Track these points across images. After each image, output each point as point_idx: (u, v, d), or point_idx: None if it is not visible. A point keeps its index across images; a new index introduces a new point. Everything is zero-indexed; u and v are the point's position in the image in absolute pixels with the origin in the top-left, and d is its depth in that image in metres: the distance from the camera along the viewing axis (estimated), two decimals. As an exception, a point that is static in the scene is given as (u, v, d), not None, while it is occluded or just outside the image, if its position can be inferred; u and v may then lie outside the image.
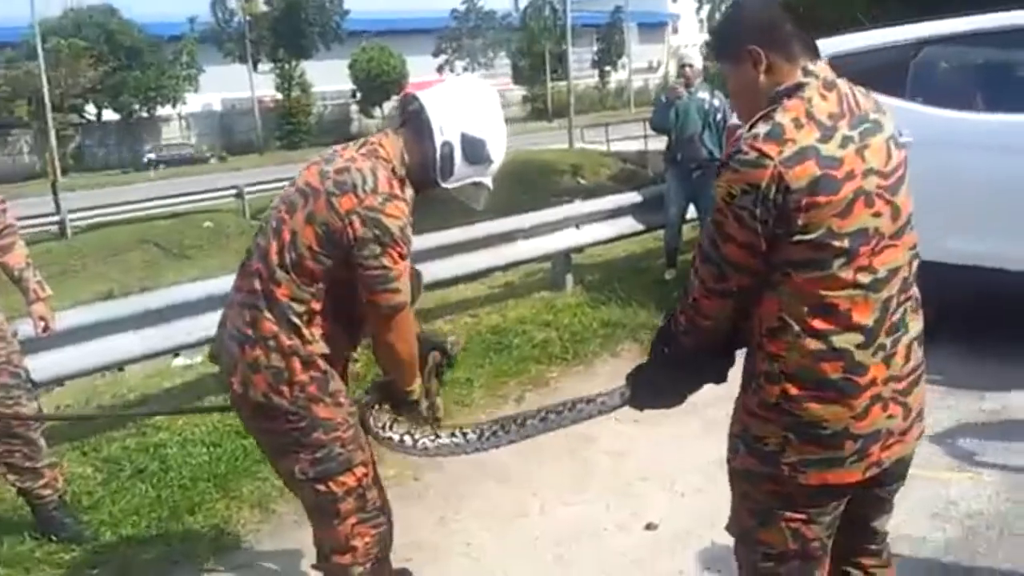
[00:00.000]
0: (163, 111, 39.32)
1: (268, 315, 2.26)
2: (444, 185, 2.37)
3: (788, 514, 1.89)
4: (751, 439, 1.89)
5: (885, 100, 5.04)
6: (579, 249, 6.93)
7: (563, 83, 36.54)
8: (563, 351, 5.41)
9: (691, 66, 7.13)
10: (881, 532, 2.11)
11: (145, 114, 38.72)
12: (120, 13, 37.68)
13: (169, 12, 39.23)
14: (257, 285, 2.28)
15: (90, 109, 38.18)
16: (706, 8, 64.56)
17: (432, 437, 2.54)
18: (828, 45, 5.54)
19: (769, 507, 1.91)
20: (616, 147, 26.43)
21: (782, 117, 1.76)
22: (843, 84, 1.85)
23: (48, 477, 3.49)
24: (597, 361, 5.36)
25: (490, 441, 2.53)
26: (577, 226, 6.77)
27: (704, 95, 6.88)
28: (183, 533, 3.51)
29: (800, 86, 1.81)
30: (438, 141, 2.31)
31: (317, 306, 2.27)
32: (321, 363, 2.30)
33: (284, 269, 2.25)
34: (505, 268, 6.93)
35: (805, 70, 1.83)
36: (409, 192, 2.32)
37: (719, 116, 6.77)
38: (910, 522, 3.20)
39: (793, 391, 1.81)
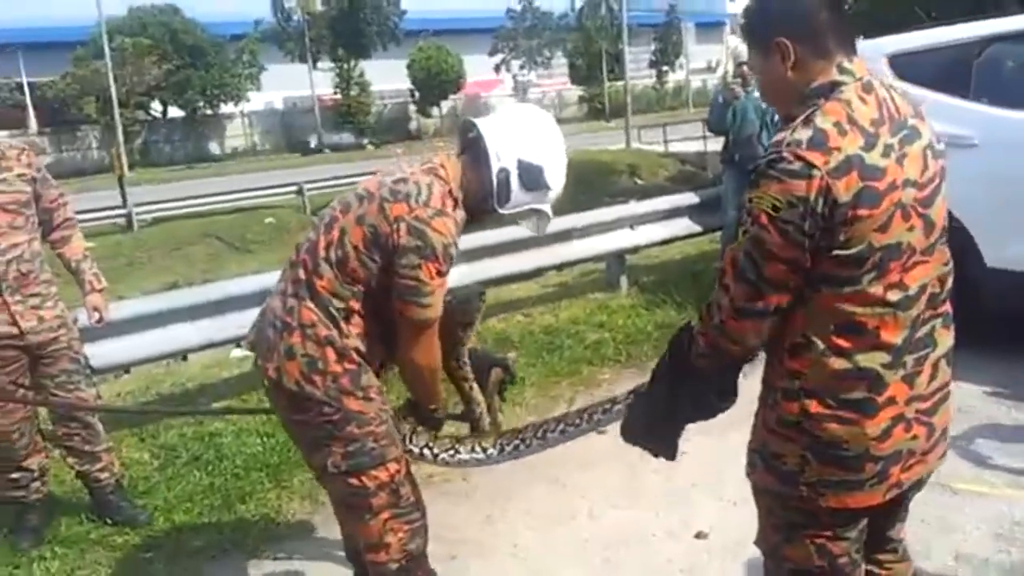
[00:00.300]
0: (226, 109, 40.05)
1: (308, 304, 2.29)
2: (501, 211, 2.40)
3: (812, 531, 1.83)
4: (769, 456, 1.83)
5: (949, 101, 4.99)
6: (634, 250, 6.88)
7: (620, 83, 36.30)
8: (616, 353, 5.39)
9: (749, 65, 7.03)
10: (897, 539, 2.05)
11: (209, 111, 39.51)
12: (183, 12, 38.50)
13: (231, 11, 39.92)
14: (301, 275, 2.32)
15: (155, 106, 39.08)
16: (767, 8, 64.10)
17: (452, 452, 2.58)
18: (888, 43, 5.46)
19: (792, 524, 1.85)
20: (674, 148, 26.11)
21: (823, 122, 1.63)
22: (879, 86, 1.73)
23: (105, 461, 3.59)
24: (650, 364, 5.27)
25: (511, 454, 2.56)
26: (632, 226, 6.73)
27: (761, 94, 6.77)
28: (235, 521, 3.58)
29: (836, 85, 1.69)
30: (495, 167, 2.34)
31: (356, 305, 2.30)
32: (355, 356, 2.31)
33: (328, 263, 2.29)
34: (559, 268, 6.93)
35: (841, 67, 1.70)
36: (460, 214, 2.35)
37: (777, 117, 6.65)
38: (972, 542, 3.11)
39: (814, 409, 1.73)
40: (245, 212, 19.38)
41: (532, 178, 2.37)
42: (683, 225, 7.12)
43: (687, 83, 48.96)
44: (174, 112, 39.68)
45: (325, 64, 41.43)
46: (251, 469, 3.97)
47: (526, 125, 2.42)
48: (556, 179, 2.42)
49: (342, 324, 2.30)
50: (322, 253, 2.30)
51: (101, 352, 4.12)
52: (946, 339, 1.81)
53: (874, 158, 1.62)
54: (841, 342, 1.69)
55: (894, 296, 1.68)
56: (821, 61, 1.70)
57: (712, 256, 7.38)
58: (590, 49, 45.86)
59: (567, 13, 46.65)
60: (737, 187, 6.84)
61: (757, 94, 6.76)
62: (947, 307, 1.81)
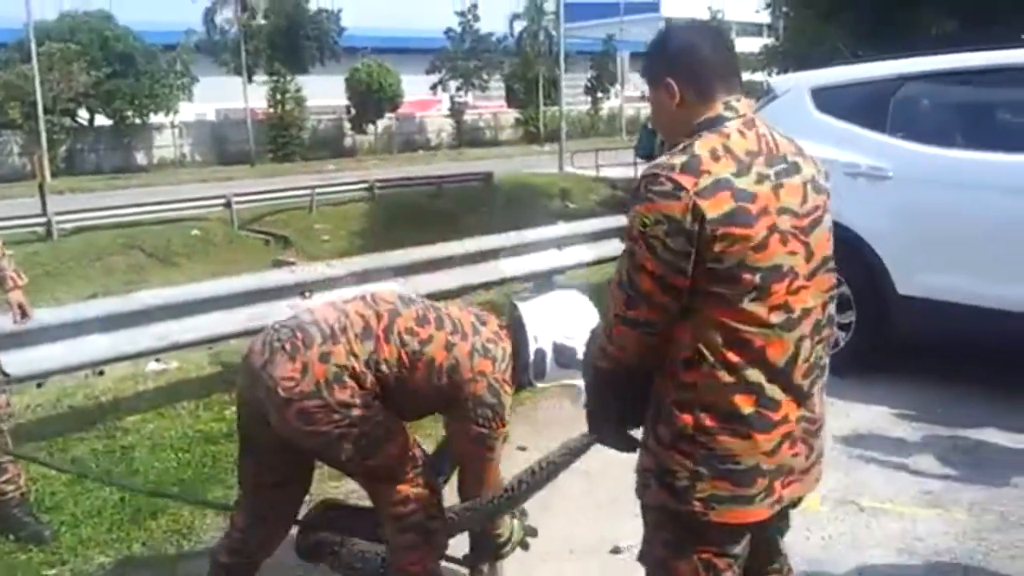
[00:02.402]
0: (156, 119, 39.22)
1: (364, 343, 2.53)
2: (537, 385, 2.81)
3: (701, 547, 1.88)
4: (663, 473, 1.87)
5: (867, 134, 5.19)
6: (561, 270, 6.94)
7: (556, 108, 36.70)
8: (540, 371, 5.40)
9: None
10: (780, 553, 2.12)
11: (138, 121, 38.63)
12: (116, 19, 37.67)
13: (166, 20, 39.28)
14: (374, 321, 2.58)
15: (83, 114, 38.07)
16: (700, 40, 65.70)
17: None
18: (812, 78, 5.66)
19: (681, 539, 1.90)
20: (606, 172, 26.54)
21: (700, 149, 1.76)
22: (762, 124, 1.87)
23: (11, 473, 3.47)
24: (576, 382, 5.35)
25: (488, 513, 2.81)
26: (559, 247, 6.80)
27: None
28: (145, 537, 3.49)
29: (720, 119, 1.82)
30: (532, 348, 2.73)
31: (389, 383, 2.57)
32: (369, 396, 2.54)
33: (402, 342, 2.57)
34: (488, 286, 6.94)
35: (727, 105, 1.84)
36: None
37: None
38: (877, 558, 3.21)
39: (707, 422, 1.80)
40: (170, 224, 18.96)
41: (566, 358, 2.73)
42: (610, 247, 7.20)
43: (621, 110, 49.71)
44: (101, 120, 38.69)
45: (260, 77, 40.91)
46: (165, 485, 3.87)
47: (563, 309, 2.83)
48: None
49: (371, 379, 2.54)
50: (403, 330, 2.58)
51: (13, 361, 3.98)
52: (827, 367, 1.95)
53: (746, 183, 1.75)
54: (730, 356, 1.78)
55: (777, 317, 1.78)
56: (702, 103, 1.85)
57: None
58: (527, 73, 46.28)
59: (506, 37, 47.02)
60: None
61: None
62: (828, 333, 1.92)
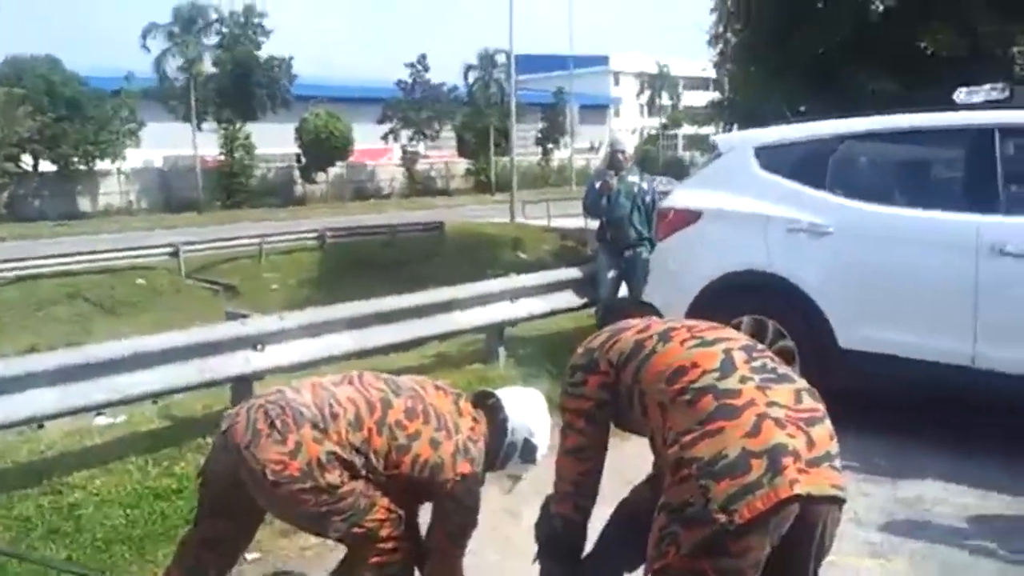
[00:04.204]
0: (103, 165, 38.71)
1: (356, 433, 2.59)
2: (496, 470, 2.93)
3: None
4: (679, 510, 1.99)
5: (808, 191, 5.37)
6: (513, 323, 7.00)
7: (507, 158, 37.15)
8: (493, 423, 5.42)
9: (623, 152, 7.38)
10: None
11: (83, 167, 38.08)
12: (63, 64, 37.33)
13: (114, 66, 38.93)
14: (365, 411, 2.63)
15: (26, 159, 37.46)
16: (646, 93, 67.10)
17: None
18: (756, 136, 5.85)
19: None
20: (556, 223, 26.85)
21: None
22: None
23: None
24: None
25: None
26: (512, 299, 6.85)
27: (634, 178, 7.13)
28: (93, 599, 3.41)
29: None
30: (506, 442, 2.87)
31: (378, 474, 2.64)
32: (358, 471, 2.62)
33: (392, 438, 2.64)
34: (440, 338, 6.96)
35: None
36: None
37: (648, 198, 7.04)
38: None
39: (686, 439, 2.01)
40: (115, 273, 18.69)
41: (529, 454, 2.91)
42: (563, 299, 7.30)
43: (571, 161, 50.44)
44: (46, 166, 38.08)
45: (209, 124, 40.70)
46: (113, 542, 3.79)
47: (537, 410, 2.96)
48: (541, 457, 2.95)
49: (360, 465, 2.60)
50: (393, 424, 2.65)
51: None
52: (795, 376, 2.19)
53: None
54: (678, 384, 2.13)
55: (690, 344, 2.21)
56: None
57: (589, 330, 7.53)
58: (478, 124, 46.79)
59: (457, 87, 47.57)
60: (610, 265, 7.13)
61: (630, 178, 7.11)
62: (770, 354, 2.25)
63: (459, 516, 2.76)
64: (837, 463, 2.07)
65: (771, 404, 2.02)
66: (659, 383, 2.18)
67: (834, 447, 2.08)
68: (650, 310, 2.94)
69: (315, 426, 2.53)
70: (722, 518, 1.91)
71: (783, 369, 2.18)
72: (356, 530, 2.62)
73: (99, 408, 4.94)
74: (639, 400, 2.26)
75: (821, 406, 2.12)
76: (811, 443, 2.00)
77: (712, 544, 1.95)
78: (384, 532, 2.66)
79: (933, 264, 4.75)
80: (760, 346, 2.28)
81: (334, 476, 2.52)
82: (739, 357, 2.16)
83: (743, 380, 2.08)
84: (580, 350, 2.55)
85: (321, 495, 2.51)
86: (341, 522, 2.58)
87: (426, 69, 46.55)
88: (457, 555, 2.84)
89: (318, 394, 2.64)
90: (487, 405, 2.96)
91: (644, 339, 2.34)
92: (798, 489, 1.93)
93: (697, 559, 1.99)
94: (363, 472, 2.61)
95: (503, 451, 2.88)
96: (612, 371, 2.37)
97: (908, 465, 4.57)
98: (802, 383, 2.17)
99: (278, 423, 2.50)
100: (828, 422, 2.10)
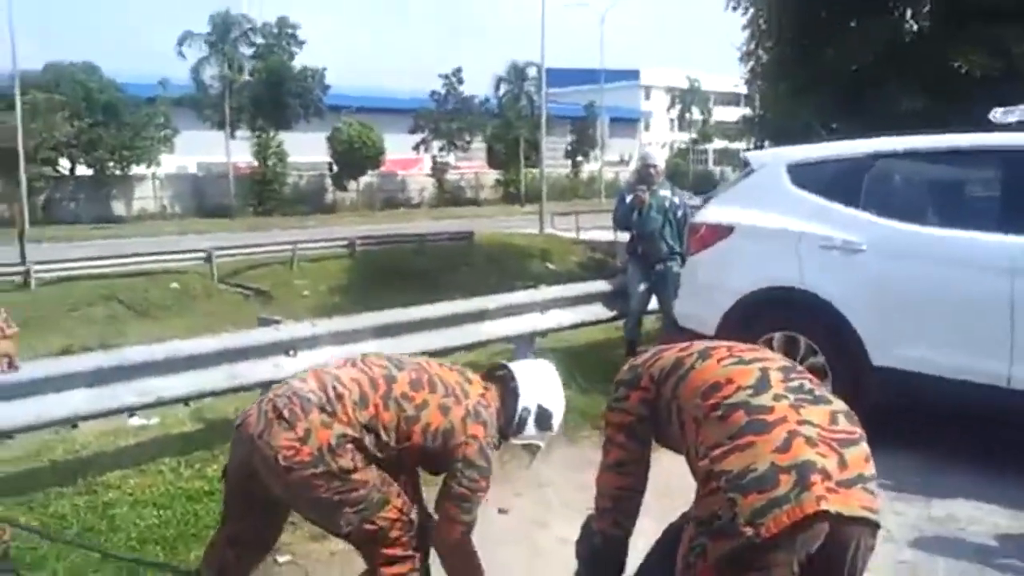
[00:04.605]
0: (137, 170, 39.28)
1: (362, 411, 2.61)
2: (512, 440, 2.93)
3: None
4: (707, 522, 2.01)
5: (841, 209, 5.35)
6: (543, 333, 7.02)
7: (536, 170, 37.22)
8: (521, 434, 5.44)
9: (655, 166, 7.37)
10: None
11: (118, 172, 38.66)
12: (101, 71, 37.96)
13: (151, 73, 39.55)
14: (368, 388, 2.66)
15: (64, 163, 38.09)
16: (677, 108, 66.98)
17: None
18: (789, 153, 5.84)
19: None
20: (585, 235, 26.85)
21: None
22: None
23: (-7, 528, 3.44)
24: (556, 447, 5.36)
25: None
26: (542, 311, 6.88)
27: (665, 192, 7.13)
28: (127, 597, 3.46)
29: None
30: (520, 406, 2.89)
31: (390, 448, 2.67)
32: (369, 450, 2.64)
33: (400, 408, 2.66)
34: (470, 347, 7.00)
35: None
36: None
37: (679, 213, 7.03)
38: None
39: (716, 452, 2.04)
40: (149, 276, 18.92)
41: (544, 420, 2.92)
42: (591, 311, 7.31)
43: (600, 174, 50.43)
44: (82, 170, 38.70)
45: (243, 132, 41.18)
46: (146, 542, 3.85)
47: (546, 376, 3.01)
48: (557, 424, 3.00)
49: (371, 443, 2.63)
50: (399, 396, 2.67)
51: (-6, 414, 3.99)
52: (832, 398, 2.20)
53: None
54: (712, 399, 2.15)
55: (728, 362, 2.24)
56: None
57: (618, 343, 7.58)
58: (509, 136, 46.95)
59: (488, 99, 47.76)
60: (640, 279, 7.13)
61: (662, 192, 7.11)
62: (809, 375, 2.27)
63: (469, 478, 2.72)
64: (871, 486, 2.06)
65: (803, 423, 2.03)
66: (695, 398, 2.23)
67: (869, 470, 2.07)
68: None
69: (322, 409, 2.56)
70: (748, 531, 1.92)
71: (820, 391, 2.20)
72: (367, 526, 2.62)
73: (132, 410, 5.01)
74: (676, 415, 2.31)
75: (858, 429, 2.13)
76: (843, 464, 2.00)
77: (738, 557, 1.96)
78: (394, 534, 2.67)
79: (968, 284, 4.71)
80: (799, 367, 2.31)
81: (346, 460, 2.55)
82: (775, 377, 2.19)
83: (777, 398, 2.10)
84: (626, 367, 2.63)
85: (333, 481, 2.53)
86: (353, 514, 2.59)
87: (460, 82, 46.79)
88: (464, 523, 2.77)
89: (321, 379, 2.68)
90: (497, 376, 2.99)
91: (684, 356, 2.40)
92: (824, 506, 1.92)
93: (723, 572, 2.00)
94: (376, 451, 2.63)
95: (517, 417, 2.88)
96: (653, 387, 2.42)
97: (940, 483, 4.54)
98: (839, 405, 2.18)
99: (286, 412, 2.55)
100: (864, 444, 2.10)
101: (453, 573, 2.84)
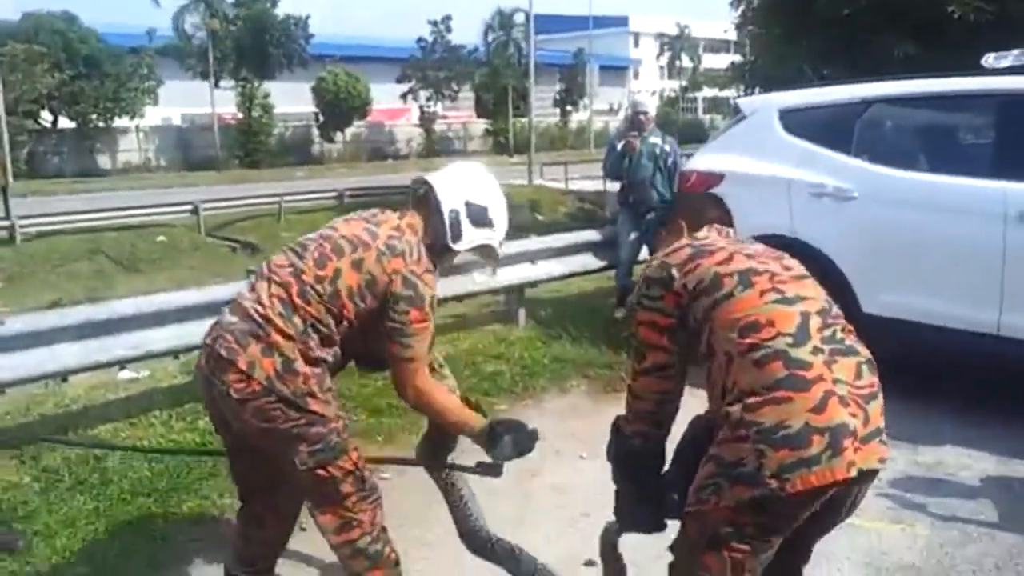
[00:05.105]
0: (120, 122, 38.73)
1: (291, 320, 2.53)
2: (456, 247, 2.77)
3: (734, 542, 2.06)
4: (729, 466, 2.01)
5: (832, 155, 5.32)
6: (533, 284, 7.01)
7: (525, 119, 36.87)
8: (512, 384, 5.47)
9: (645, 113, 7.28)
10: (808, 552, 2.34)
11: (102, 124, 38.12)
12: (80, 21, 37.23)
13: (131, 23, 38.86)
14: (283, 294, 2.56)
15: (46, 116, 37.52)
16: (666, 55, 66.31)
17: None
18: (780, 99, 5.78)
19: (717, 535, 2.08)
20: (575, 186, 26.75)
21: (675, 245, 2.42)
22: (715, 231, 2.47)
23: (-16, 483, 3.44)
24: (546, 396, 5.42)
25: None
26: (532, 261, 6.86)
27: (656, 140, 7.07)
28: (120, 547, 3.48)
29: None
30: (446, 210, 2.72)
31: (335, 336, 2.60)
32: (322, 364, 2.59)
33: (318, 295, 2.56)
34: (459, 299, 6.99)
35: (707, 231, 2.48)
36: (435, 272, 2.72)
37: (670, 160, 6.98)
38: (846, 571, 3.32)
39: (751, 400, 2.00)
40: (135, 230, 18.78)
41: (479, 216, 2.77)
42: (581, 261, 7.29)
43: (590, 123, 50.03)
44: (64, 123, 38.17)
45: (228, 83, 40.59)
46: (138, 494, 3.87)
47: (469, 175, 2.85)
48: (499, 217, 2.84)
49: (316, 341, 2.56)
50: (312, 282, 2.56)
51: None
52: (859, 347, 2.15)
53: (698, 239, 2.41)
54: (749, 339, 2.07)
55: (770, 297, 2.14)
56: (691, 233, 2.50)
57: (608, 292, 7.58)
58: (497, 85, 46.43)
59: (476, 48, 47.13)
60: (631, 228, 7.10)
61: (652, 139, 7.05)
62: (842, 321, 2.19)
63: (398, 311, 2.58)
64: (884, 436, 2.09)
65: (836, 381, 2.01)
66: (731, 331, 2.10)
67: (883, 421, 2.09)
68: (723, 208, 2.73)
69: (257, 338, 2.48)
70: (773, 484, 1.94)
71: (850, 339, 2.14)
72: (320, 471, 2.55)
73: (122, 363, 5.00)
74: (707, 338, 2.16)
75: (876, 379, 2.12)
76: (867, 420, 2.01)
77: (757, 504, 2.00)
78: (346, 488, 2.59)
79: (959, 231, 4.70)
80: (835, 309, 2.21)
81: (298, 383, 2.49)
82: (814, 324, 2.09)
83: (815, 351, 2.04)
84: (655, 262, 2.37)
85: (290, 410, 2.48)
86: (308, 454, 2.51)
87: (449, 30, 46.09)
88: (406, 360, 2.62)
89: (243, 307, 2.57)
90: (420, 197, 2.81)
91: (724, 275, 2.19)
92: (854, 472, 1.96)
93: (738, 513, 2.03)
94: (326, 353, 2.57)
95: (447, 224, 2.72)
96: (686, 296, 2.22)
97: (929, 431, 4.58)
98: (864, 353, 2.14)
99: (223, 352, 2.49)
100: (881, 396, 2.10)
101: (431, 417, 2.83)
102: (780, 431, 1.95)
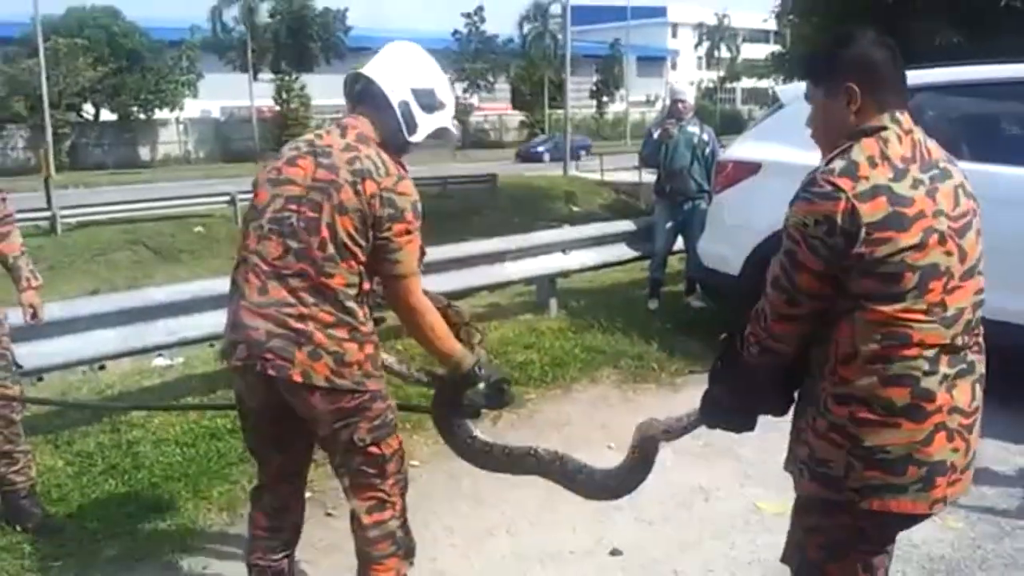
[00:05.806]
0: (161, 114, 39.29)
1: (324, 307, 2.41)
2: (413, 140, 2.56)
3: (860, 549, 1.99)
4: (816, 463, 1.94)
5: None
6: (565, 274, 6.97)
7: (561, 111, 36.80)
8: (543, 374, 5.43)
9: (684, 102, 7.18)
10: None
11: (142, 116, 38.71)
12: (123, 15, 37.80)
13: (172, 16, 39.41)
14: (305, 284, 2.41)
15: (88, 108, 38.19)
16: (704, 45, 65.74)
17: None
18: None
19: (838, 541, 1.98)
20: (610, 177, 26.66)
21: (858, 155, 1.85)
22: (919, 133, 1.93)
23: (22, 463, 3.49)
24: (576, 386, 5.37)
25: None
26: (564, 251, 6.81)
27: (694, 129, 6.96)
28: (150, 531, 3.50)
29: (881, 128, 1.89)
30: (396, 103, 2.51)
31: (366, 286, 2.48)
32: (371, 341, 2.50)
33: (332, 260, 2.40)
34: (492, 288, 6.97)
35: (892, 117, 1.90)
36: (405, 167, 2.53)
37: (708, 150, 6.87)
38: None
39: (861, 414, 1.87)
40: (174, 220, 19.04)
41: (428, 100, 2.58)
42: (615, 252, 7.24)
43: (626, 114, 49.79)
44: (106, 115, 38.79)
45: (266, 75, 40.98)
46: (169, 479, 3.89)
47: (405, 58, 2.63)
48: (447, 96, 2.66)
49: (358, 313, 2.45)
50: (319, 254, 2.40)
51: (23, 354, 3.99)
52: (980, 365, 1.98)
53: (903, 188, 1.82)
54: (886, 351, 1.84)
55: (934, 315, 1.85)
56: (877, 112, 1.91)
57: (641, 283, 7.52)
58: (533, 76, 46.40)
59: (512, 39, 47.10)
60: (667, 217, 7.01)
61: (691, 128, 6.96)
62: (979, 335, 1.98)
63: (384, 229, 2.42)
64: (975, 462, 2.03)
65: (952, 411, 1.90)
66: (875, 332, 1.84)
67: (978, 442, 2.01)
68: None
69: (298, 344, 2.38)
70: (851, 496, 1.90)
71: (972, 353, 1.95)
72: (373, 449, 2.52)
73: (158, 349, 5.04)
74: (840, 312, 1.88)
75: (982, 395, 2.01)
76: (967, 451, 1.95)
77: (822, 503, 1.96)
78: (391, 467, 2.57)
79: (1004, 221, 4.57)
80: (976, 330, 1.97)
81: (353, 370, 2.42)
82: (954, 349, 1.89)
83: (942, 381, 1.88)
84: (828, 188, 1.83)
85: (354, 393, 2.45)
86: (367, 431, 2.49)
87: (482, 20, 46.14)
88: (398, 277, 2.48)
89: (262, 314, 2.42)
90: (359, 95, 2.61)
91: (908, 269, 1.82)
92: (937, 510, 1.92)
93: (800, 505, 2.03)
94: (361, 309, 2.44)
95: (400, 119, 2.50)
96: (859, 264, 1.81)
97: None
98: (980, 369, 1.98)
99: (272, 371, 2.39)
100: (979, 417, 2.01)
101: (418, 339, 2.64)
102: (879, 454, 1.86)
